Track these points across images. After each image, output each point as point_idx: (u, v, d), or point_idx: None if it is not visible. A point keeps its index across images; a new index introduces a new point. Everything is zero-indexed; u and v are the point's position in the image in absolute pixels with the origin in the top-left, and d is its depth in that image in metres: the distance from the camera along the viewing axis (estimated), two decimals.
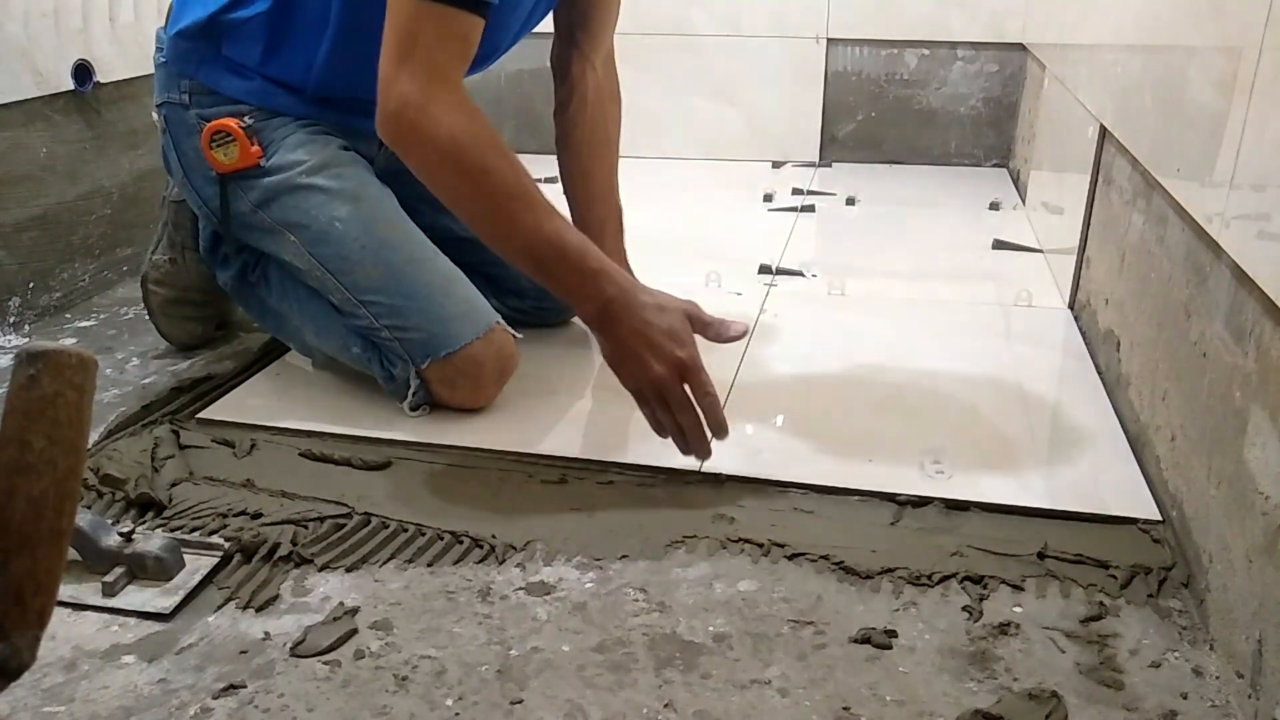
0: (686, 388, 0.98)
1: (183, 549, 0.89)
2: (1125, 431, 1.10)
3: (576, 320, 1.43)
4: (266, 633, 0.81)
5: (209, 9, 1.14)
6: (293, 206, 1.15)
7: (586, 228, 1.32)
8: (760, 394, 1.21)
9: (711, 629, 0.81)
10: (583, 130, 1.35)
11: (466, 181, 1.00)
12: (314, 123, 1.18)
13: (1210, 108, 0.88)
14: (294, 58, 1.16)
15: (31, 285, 1.48)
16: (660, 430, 1.01)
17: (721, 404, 0.99)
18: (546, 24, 1.30)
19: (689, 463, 1.05)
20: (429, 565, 0.90)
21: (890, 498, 0.99)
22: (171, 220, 1.33)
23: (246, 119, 1.15)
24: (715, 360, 1.13)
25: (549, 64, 1.36)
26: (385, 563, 0.90)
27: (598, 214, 1.35)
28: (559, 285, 1.02)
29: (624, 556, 0.90)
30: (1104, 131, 1.34)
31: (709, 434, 0.99)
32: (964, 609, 0.83)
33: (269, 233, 1.17)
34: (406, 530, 0.94)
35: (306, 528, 0.94)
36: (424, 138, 1.00)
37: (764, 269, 1.64)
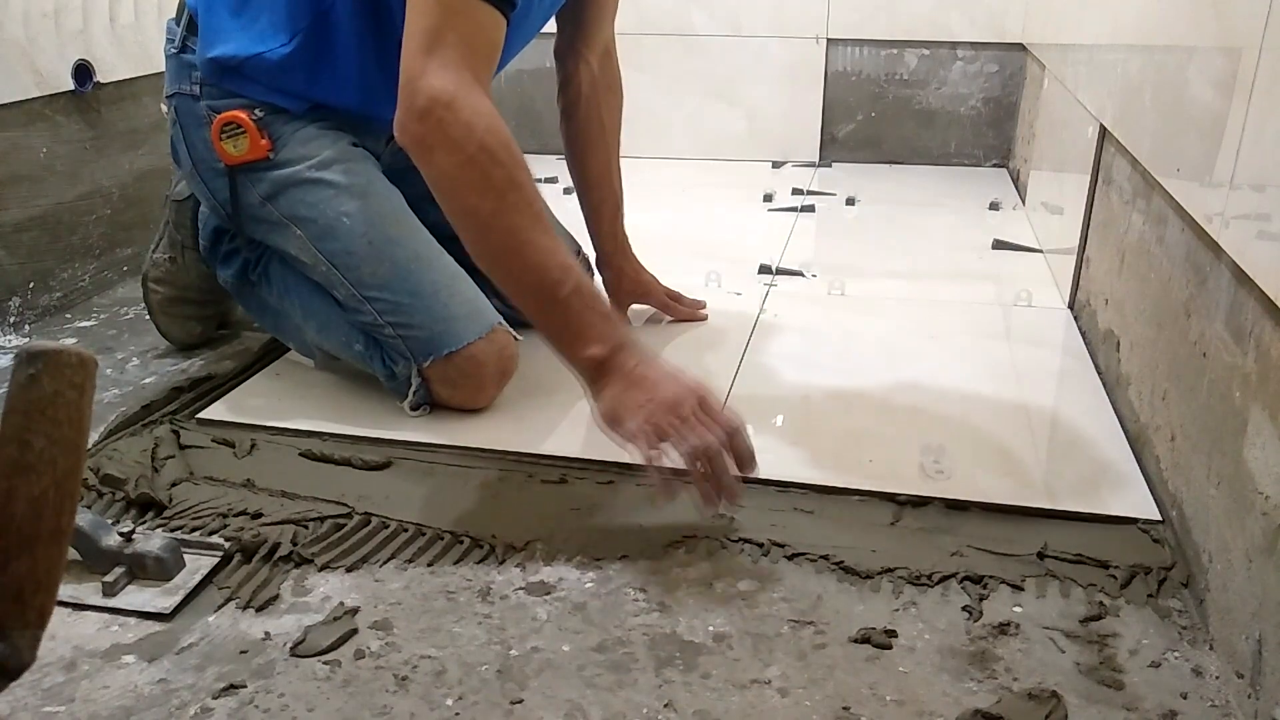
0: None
1: (183, 549, 0.89)
2: (1125, 431, 1.10)
3: None
4: (267, 633, 0.81)
5: (245, 50, 1.13)
6: (300, 200, 1.15)
7: (585, 209, 1.40)
8: (760, 394, 1.21)
9: (711, 629, 0.81)
10: (577, 123, 1.37)
11: (490, 193, 0.93)
12: (324, 117, 1.18)
13: (1210, 108, 0.88)
14: (338, 81, 1.15)
15: (31, 285, 1.48)
16: (668, 486, 0.90)
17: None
18: (549, 25, 1.31)
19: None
20: (429, 565, 0.90)
21: (890, 498, 0.99)
22: (173, 219, 1.33)
23: (258, 111, 1.14)
24: (714, 360, 1.13)
25: (549, 60, 1.38)
26: (385, 563, 0.90)
27: (594, 198, 1.40)
28: (562, 319, 0.94)
29: (624, 556, 0.90)
30: (1104, 131, 1.34)
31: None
32: (964, 609, 0.83)
33: (276, 226, 1.17)
34: (406, 530, 0.94)
35: (306, 528, 0.94)
36: (453, 139, 0.93)
37: (764, 269, 1.64)
